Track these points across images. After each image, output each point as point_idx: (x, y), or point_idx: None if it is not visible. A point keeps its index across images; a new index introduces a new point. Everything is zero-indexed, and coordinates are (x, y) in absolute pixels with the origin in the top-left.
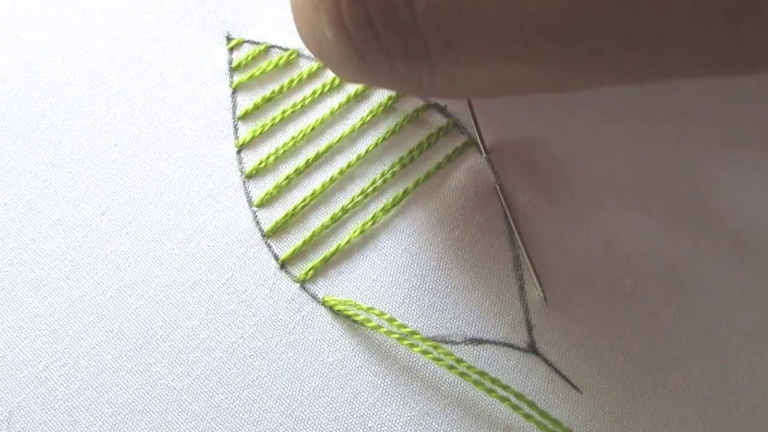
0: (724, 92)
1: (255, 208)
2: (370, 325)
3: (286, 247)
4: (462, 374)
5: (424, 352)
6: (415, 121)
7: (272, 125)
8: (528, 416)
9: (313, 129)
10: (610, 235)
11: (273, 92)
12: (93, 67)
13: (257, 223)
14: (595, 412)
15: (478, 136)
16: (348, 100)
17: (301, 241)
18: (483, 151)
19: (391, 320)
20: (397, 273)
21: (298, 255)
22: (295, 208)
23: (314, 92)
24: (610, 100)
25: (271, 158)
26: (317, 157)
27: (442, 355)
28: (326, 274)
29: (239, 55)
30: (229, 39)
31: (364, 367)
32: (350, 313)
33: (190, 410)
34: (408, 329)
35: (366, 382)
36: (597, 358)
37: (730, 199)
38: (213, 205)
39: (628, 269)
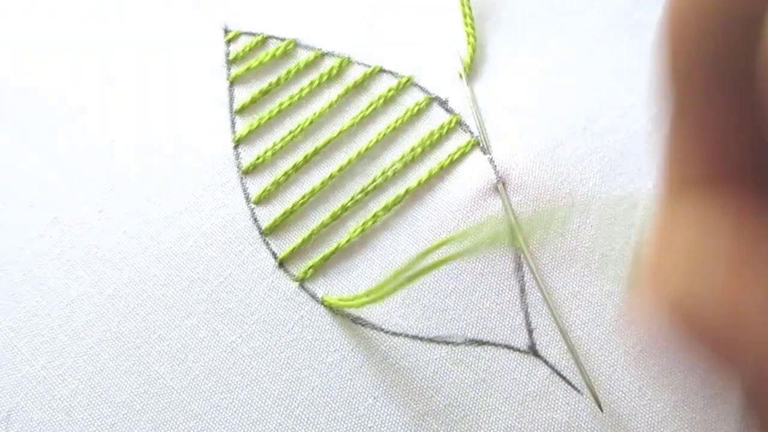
0: None
1: (253, 205)
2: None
3: (284, 245)
4: None
5: None
6: (416, 115)
7: (269, 119)
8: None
9: (311, 123)
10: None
11: (270, 84)
12: (89, 62)
13: (255, 220)
14: (596, 412)
15: (481, 134)
16: (347, 92)
17: (300, 240)
18: (486, 151)
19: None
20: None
21: (297, 253)
22: (294, 206)
23: (312, 83)
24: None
25: (269, 153)
26: (316, 152)
27: None
28: (326, 273)
29: (236, 47)
30: (226, 31)
31: (363, 366)
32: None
33: (189, 410)
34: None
35: (365, 382)
36: (597, 359)
37: None
38: (210, 201)
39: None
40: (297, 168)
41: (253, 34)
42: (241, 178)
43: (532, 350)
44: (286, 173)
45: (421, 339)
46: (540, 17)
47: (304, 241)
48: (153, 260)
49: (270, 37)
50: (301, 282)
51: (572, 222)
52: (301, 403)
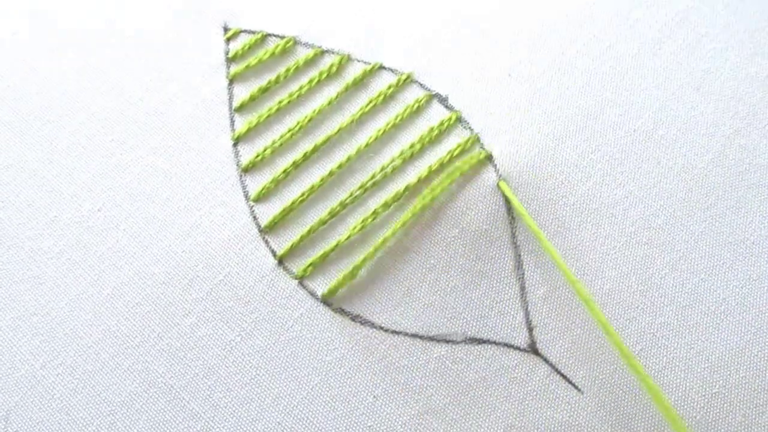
0: None
1: (252, 203)
2: None
3: (284, 242)
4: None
5: None
6: (416, 112)
7: (269, 116)
8: None
9: (311, 120)
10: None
11: (269, 82)
12: (89, 61)
13: (254, 218)
14: (596, 411)
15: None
16: (346, 89)
17: (299, 237)
18: (486, 149)
19: None
20: (396, 271)
21: (296, 251)
22: (293, 203)
23: (311, 80)
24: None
25: (268, 151)
26: (315, 150)
27: None
28: (325, 270)
29: (236, 45)
30: (226, 29)
31: (363, 365)
32: None
33: (188, 409)
34: None
35: (365, 380)
36: (598, 358)
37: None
38: (209, 199)
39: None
40: (296, 165)
41: (253, 32)
42: (241, 176)
43: (532, 349)
44: (285, 171)
45: (421, 337)
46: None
47: (303, 239)
48: (152, 259)
49: (269, 35)
50: (301, 280)
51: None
52: (300, 402)
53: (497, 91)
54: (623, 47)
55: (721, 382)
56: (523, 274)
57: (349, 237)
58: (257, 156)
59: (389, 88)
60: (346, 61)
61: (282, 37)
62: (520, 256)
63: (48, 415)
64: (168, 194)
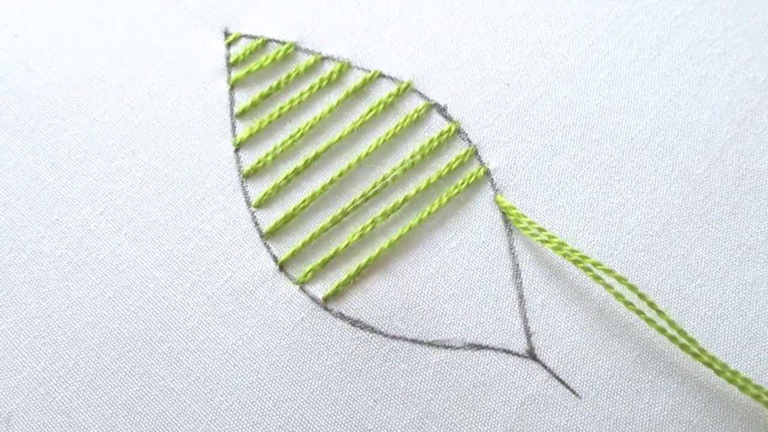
0: None
1: (253, 209)
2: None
3: (285, 248)
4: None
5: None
6: (416, 122)
7: (270, 123)
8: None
9: (311, 127)
10: (608, 242)
11: (271, 88)
12: (91, 65)
13: (256, 223)
14: (593, 416)
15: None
16: (347, 96)
17: (300, 243)
18: (484, 163)
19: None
20: (396, 278)
21: (297, 257)
22: (294, 209)
23: (312, 87)
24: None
25: (270, 157)
26: (316, 157)
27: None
28: (325, 276)
29: (237, 50)
30: (227, 34)
31: (363, 369)
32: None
33: (189, 412)
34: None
35: (365, 385)
36: (595, 364)
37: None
38: (211, 205)
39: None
40: (297, 172)
41: (254, 37)
42: (242, 182)
43: (531, 354)
44: (286, 177)
45: (421, 342)
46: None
47: (305, 245)
48: (154, 263)
49: (270, 40)
50: (301, 285)
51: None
52: (301, 406)
53: (495, 100)
54: (621, 54)
55: (718, 386)
56: (521, 282)
57: (348, 244)
58: (258, 162)
59: (389, 96)
60: (346, 68)
61: (283, 43)
62: (518, 266)
63: (50, 417)
64: (169, 199)
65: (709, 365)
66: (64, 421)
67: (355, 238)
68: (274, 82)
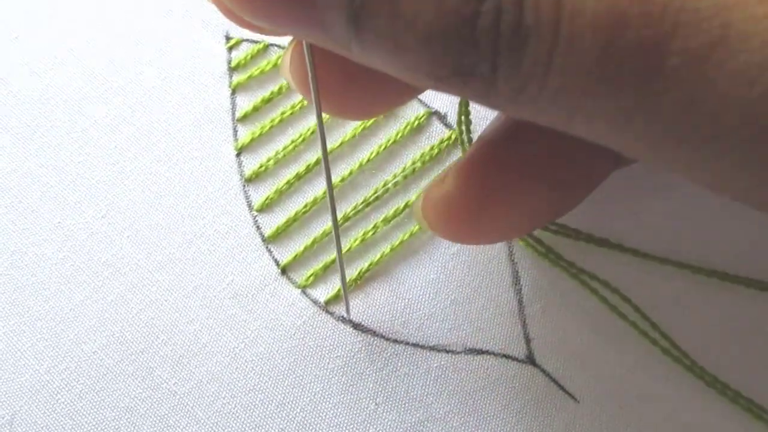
0: None
1: (255, 213)
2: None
3: (287, 252)
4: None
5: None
6: (416, 129)
7: (271, 127)
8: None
9: (313, 132)
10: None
11: (272, 93)
12: (92, 69)
13: (258, 227)
14: (592, 421)
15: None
16: None
17: (302, 247)
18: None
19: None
20: (397, 283)
21: (299, 261)
22: (296, 214)
23: None
24: None
25: (271, 162)
26: (318, 162)
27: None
28: (327, 280)
29: (238, 54)
30: (228, 38)
31: (365, 373)
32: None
33: (192, 415)
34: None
35: (367, 389)
36: (594, 369)
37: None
38: (213, 208)
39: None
40: (299, 177)
41: (255, 42)
42: (244, 186)
43: (530, 360)
44: (288, 182)
45: (422, 347)
46: None
47: (306, 249)
48: (156, 266)
49: (272, 44)
50: (303, 289)
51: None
52: (303, 409)
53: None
54: None
55: (714, 393)
56: (521, 289)
57: (350, 249)
58: (260, 167)
59: None
60: None
61: (284, 48)
62: (517, 272)
63: (52, 419)
64: (171, 202)
65: (700, 377)
66: (66, 422)
67: (357, 242)
68: (275, 87)
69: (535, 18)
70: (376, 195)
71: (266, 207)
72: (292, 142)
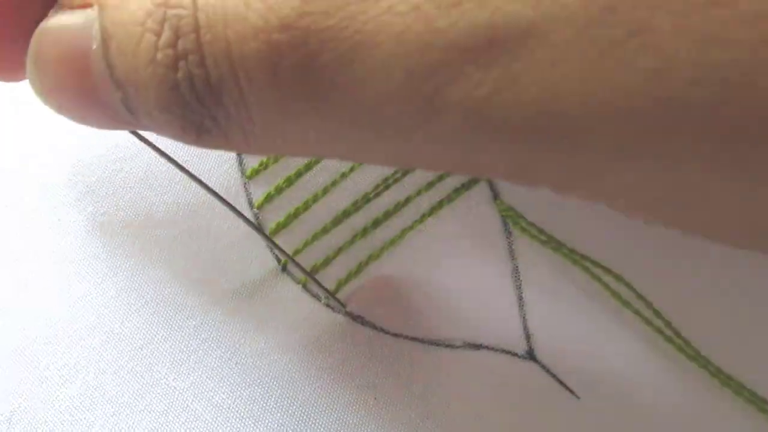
0: None
1: (256, 210)
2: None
3: (288, 248)
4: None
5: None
6: None
7: None
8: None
9: None
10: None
11: None
12: None
13: (259, 224)
14: (593, 418)
15: None
16: None
17: (302, 243)
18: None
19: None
20: (398, 276)
21: (299, 256)
22: (296, 210)
23: None
24: None
25: (272, 159)
26: (318, 159)
27: None
28: (327, 274)
29: None
30: None
31: (366, 366)
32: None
33: (191, 410)
34: None
35: (367, 382)
36: (595, 364)
37: None
38: (214, 205)
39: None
40: (300, 174)
41: None
42: (245, 183)
43: (530, 355)
44: (289, 179)
45: (421, 341)
46: None
47: (307, 245)
48: (156, 261)
49: None
50: (304, 284)
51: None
52: (303, 403)
53: None
54: None
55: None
56: (521, 284)
57: (352, 242)
58: (261, 164)
59: None
60: None
61: None
62: (517, 267)
63: (51, 416)
64: (172, 199)
65: (704, 367)
66: (65, 419)
67: (358, 238)
68: None
69: (216, 70)
70: (376, 191)
71: (267, 203)
72: None
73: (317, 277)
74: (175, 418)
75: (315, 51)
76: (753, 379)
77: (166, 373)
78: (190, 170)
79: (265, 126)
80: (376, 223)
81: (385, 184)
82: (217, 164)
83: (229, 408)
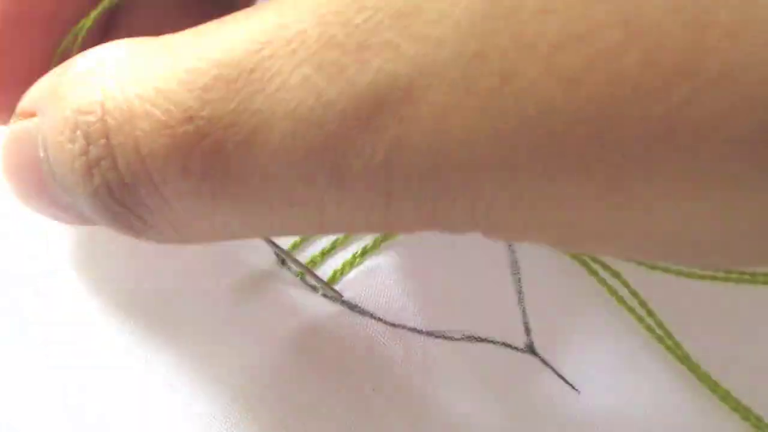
0: None
1: None
2: None
3: (285, 241)
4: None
5: None
6: None
7: None
8: None
9: None
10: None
11: None
12: None
13: None
14: (593, 411)
15: None
16: None
17: (300, 237)
18: None
19: None
20: (395, 270)
21: (297, 250)
22: None
23: None
24: None
25: None
26: None
27: None
28: (325, 266)
29: None
30: None
31: (365, 357)
32: None
33: (191, 408)
34: None
35: (365, 374)
36: (594, 359)
37: None
38: None
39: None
40: None
41: None
42: None
43: (530, 349)
44: None
45: (420, 332)
46: None
47: (305, 238)
48: (155, 256)
49: None
50: (302, 277)
51: None
52: (303, 395)
53: None
54: None
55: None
56: (520, 277)
57: (348, 235)
58: None
59: None
60: None
61: None
62: (517, 260)
63: (51, 414)
64: None
65: (693, 371)
66: (65, 417)
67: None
68: None
69: (128, 170)
70: None
71: None
72: None
73: (315, 271)
74: (174, 415)
75: (219, 139)
76: (742, 386)
77: (165, 371)
78: None
79: (187, 217)
80: None
81: None
82: None
83: (228, 404)
